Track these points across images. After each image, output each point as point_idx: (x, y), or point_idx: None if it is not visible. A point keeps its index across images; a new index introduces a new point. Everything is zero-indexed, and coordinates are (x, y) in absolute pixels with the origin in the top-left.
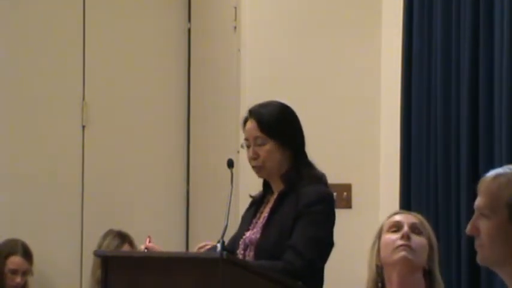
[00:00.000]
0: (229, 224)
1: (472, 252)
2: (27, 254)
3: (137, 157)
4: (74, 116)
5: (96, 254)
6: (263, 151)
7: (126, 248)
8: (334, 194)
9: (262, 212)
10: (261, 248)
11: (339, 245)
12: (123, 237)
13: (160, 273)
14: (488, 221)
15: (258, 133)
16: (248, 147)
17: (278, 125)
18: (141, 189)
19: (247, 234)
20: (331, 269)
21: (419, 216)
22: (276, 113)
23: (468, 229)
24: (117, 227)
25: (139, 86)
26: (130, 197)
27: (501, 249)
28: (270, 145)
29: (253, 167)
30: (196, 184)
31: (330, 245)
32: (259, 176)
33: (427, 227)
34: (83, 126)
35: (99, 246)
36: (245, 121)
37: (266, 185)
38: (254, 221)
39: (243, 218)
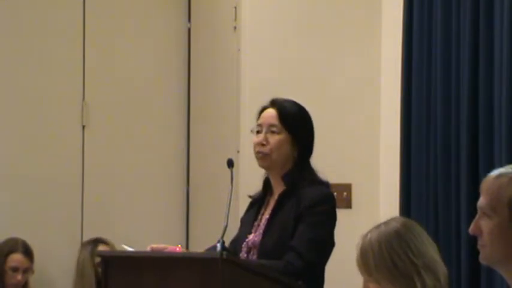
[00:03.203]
0: (229, 224)
1: (472, 252)
2: (27, 252)
3: (137, 157)
4: (74, 116)
5: (97, 254)
6: (274, 139)
7: (101, 248)
8: (334, 194)
9: (263, 214)
10: (263, 250)
11: (339, 245)
12: (95, 241)
13: (160, 273)
14: (489, 220)
15: (276, 121)
16: (258, 132)
17: (297, 121)
18: (141, 189)
19: (250, 237)
20: (332, 269)
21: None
22: (297, 110)
23: (471, 229)
24: (117, 226)
25: (139, 86)
26: (131, 196)
27: (503, 249)
28: (283, 136)
29: (257, 152)
30: (196, 184)
31: (331, 245)
32: (261, 165)
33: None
34: (83, 126)
35: (78, 259)
36: (263, 109)
37: (266, 186)
38: (256, 223)
39: (243, 220)
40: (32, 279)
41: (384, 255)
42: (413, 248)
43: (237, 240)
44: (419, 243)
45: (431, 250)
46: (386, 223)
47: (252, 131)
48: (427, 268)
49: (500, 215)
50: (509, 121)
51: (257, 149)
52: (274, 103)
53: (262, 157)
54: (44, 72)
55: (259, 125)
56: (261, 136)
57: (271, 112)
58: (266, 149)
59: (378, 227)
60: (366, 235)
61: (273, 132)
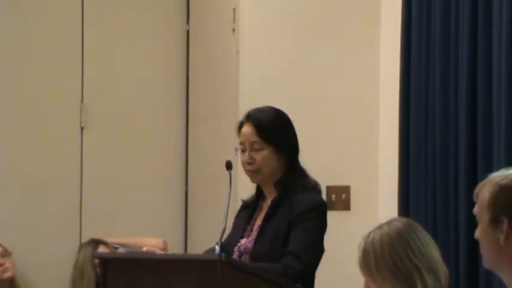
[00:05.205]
0: (227, 226)
1: (471, 254)
2: None
3: (136, 158)
4: (72, 117)
5: (96, 255)
6: (260, 156)
7: (101, 249)
8: (333, 196)
9: (256, 219)
10: (255, 256)
11: (337, 247)
12: (95, 242)
13: (159, 274)
14: (479, 226)
15: (256, 138)
16: (243, 151)
17: (276, 131)
18: (139, 190)
19: (243, 242)
20: (330, 271)
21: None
22: (273, 119)
23: (475, 234)
24: (115, 227)
25: (138, 88)
26: (129, 198)
27: (491, 254)
28: (267, 151)
29: (247, 171)
30: (194, 186)
31: (322, 251)
32: (253, 181)
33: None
34: (82, 128)
35: (76, 261)
36: (241, 125)
37: (259, 191)
38: (248, 228)
39: (235, 222)
40: (23, 279)
41: (385, 256)
42: (414, 248)
43: (228, 242)
44: (421, 243)
45: (433, 250)
46: (388, 223)
47: (236, 149)
48: (428, 268)
49: (483, 221)
50: (509, 121)
51: (246, 168)
52: (249, 118)
53: (253, 175)
54: (42, 74)
55: (242, 143)
56: (246, 155)
57: (248, 129)
58: (254, 167)
59: (380, 227)
60: (368, 235)
61: (256, 149)
